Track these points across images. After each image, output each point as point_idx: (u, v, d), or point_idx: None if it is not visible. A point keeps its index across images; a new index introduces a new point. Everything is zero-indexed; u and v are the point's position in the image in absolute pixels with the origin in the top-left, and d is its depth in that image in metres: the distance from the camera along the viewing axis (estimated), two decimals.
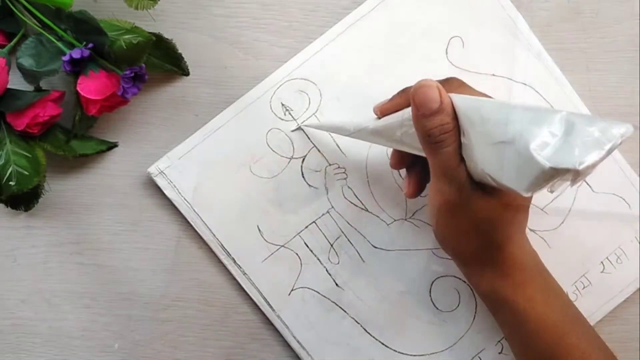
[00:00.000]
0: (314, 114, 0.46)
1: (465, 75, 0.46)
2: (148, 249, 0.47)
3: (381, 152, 0.46)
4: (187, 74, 0.46)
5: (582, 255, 0.47)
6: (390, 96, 0.40)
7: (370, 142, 0.42)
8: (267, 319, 0.47)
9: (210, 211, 0.46)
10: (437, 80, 0.35)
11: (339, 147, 0.46)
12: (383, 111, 0.40)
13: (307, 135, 0.46)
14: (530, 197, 0.37)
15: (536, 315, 0.38)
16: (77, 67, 0.40)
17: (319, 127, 0.45)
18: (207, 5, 0.46)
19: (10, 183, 0.42)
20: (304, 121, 0.46)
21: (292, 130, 0.46)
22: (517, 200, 0.36)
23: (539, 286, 0.39)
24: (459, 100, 0.34)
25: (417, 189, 0.41)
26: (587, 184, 0.47)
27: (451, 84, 0.37)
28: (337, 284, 0.46)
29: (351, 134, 0.42)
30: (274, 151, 0.46)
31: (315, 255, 0.46)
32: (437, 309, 0.47)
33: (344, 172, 0.46)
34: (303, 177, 0.46)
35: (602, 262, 0.47)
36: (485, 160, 0.32)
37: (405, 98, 0.38)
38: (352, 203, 0.46)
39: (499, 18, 0.46)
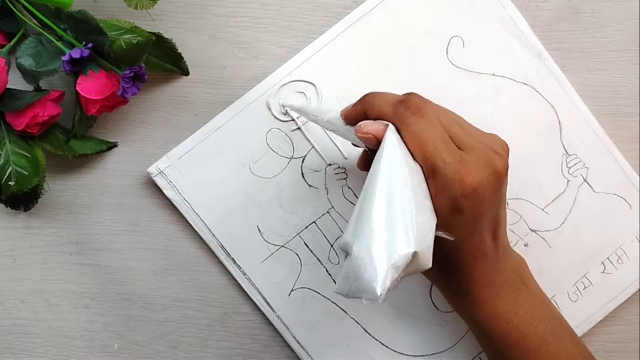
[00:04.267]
0: None
1: (465, 75, 0.46)
2: (148, 249, 0.47)
3: None
4: (187, 73, 0.46)
5: (582, 256, 0.47)
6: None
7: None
8: (267, 319, 0.47)
9: (210, 211, 0.46)
10: (396, 98, 0.35)
11: (338, 147, 0.46)
12: (347, 116, 0.38)
13: (306, 135, 0.46)
14: (463, 235, 0.35)
15: (499, 333, 0.38)
16: (76, 67, 0.40)
17: (301, 111, 0.44)
18: (207, 5, 0.46)
19: (10, 183, 0.42)
20: (304, 123, 0.46)
21: (292, 130, 0.46)
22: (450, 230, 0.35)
23: (503, 305, 0.38)
24: (386, 151, 0.33)
25: (368, 164, 0.40)
26: (588, 184, 0.47)
27: (409, 100, 0.34)
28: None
29: (324, 127, 0.41)
30: (273, 151, 0.46)
31: (315, 256, 0.46)
32: (438, 309, 0.47)
33: (344, 172, 0.46)
34: (303, 177, 0.46)
35: (602, 262, 0.47)
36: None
37: (365, 106, 0.37)
38: (352, 203, 0.46)
39: (500, 18, 0.46)
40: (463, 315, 0.40)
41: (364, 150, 0.41)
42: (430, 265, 0.30)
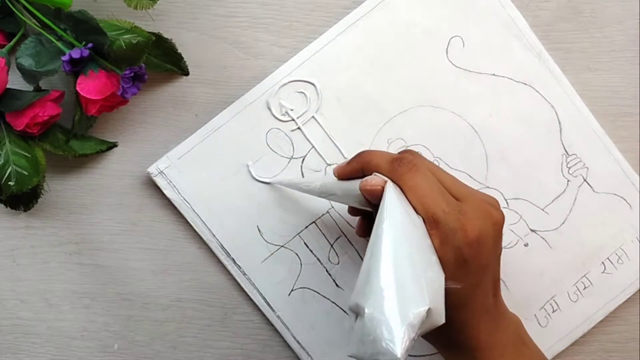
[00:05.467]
0: (313, 114, 0.46)
1: (465, 75, 0.46)
2: (148, 249, 0.47)
3: None
4: (187, 73, 0.46)
5: (583, 256, 0.47)
6: (348, 158, 0.39)
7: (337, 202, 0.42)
8: (267, 319, 0.47)
9: (210, 211, 0.46)
10: (392, 155, 0.35)
11: (338, 147, 0.46)
12: (340, 174, 0.38)
13: (306, 135, 0.46)
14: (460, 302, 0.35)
15: None
16: (76, 67, 0.40)
17: (287, 184, 0.45)
18: (207, 5, 0.46)
19: (10, 183, 0.42)
20: (304, 123, 0.46)
21: (292, 130, 0.46)
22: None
23: None
24: (389, 206, 0.32)
25: (367, 231, 0.41)
26: (588, 184, 0.47)
27: (404, 157, 0.35)
28: (337, 285, 0.46)
29: (319, 195, 0.41)
30: (273, 151, 0.46)
31: (315, 256, 0.46)
32: None
33: None
34: (303, 177, 0.46)
35: (603, 263, 0.47)
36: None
37: (361, 163, 0.37)
38: None
39: (499, 18, 0.46)
40: None
41: (360, 218, 0.42)
42: (443, 321, 0.29)
